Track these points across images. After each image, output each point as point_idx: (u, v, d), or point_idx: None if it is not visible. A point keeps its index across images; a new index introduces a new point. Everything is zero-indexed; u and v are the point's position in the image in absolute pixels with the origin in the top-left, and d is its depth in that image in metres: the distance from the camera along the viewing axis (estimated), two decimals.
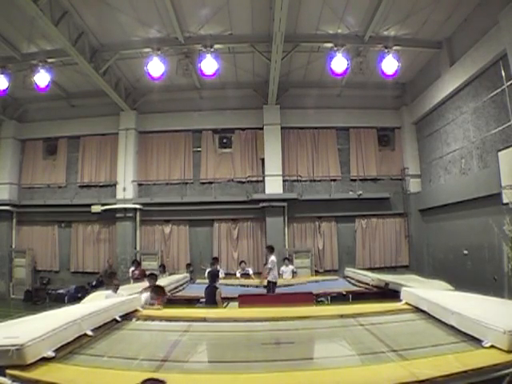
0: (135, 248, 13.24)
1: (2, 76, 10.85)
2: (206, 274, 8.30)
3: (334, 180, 13.64)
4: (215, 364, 3.16)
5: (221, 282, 7.70)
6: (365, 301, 5.76)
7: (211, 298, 6.40)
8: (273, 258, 8.81)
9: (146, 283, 6.75)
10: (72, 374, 2.48)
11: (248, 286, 9.29)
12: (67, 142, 14.48)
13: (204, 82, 12.84)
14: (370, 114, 13.70)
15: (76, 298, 11.16)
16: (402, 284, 5.93)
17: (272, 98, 12.83)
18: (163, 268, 12.14)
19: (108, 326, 3.74)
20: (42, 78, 10.71)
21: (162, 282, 7.42)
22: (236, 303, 6.70)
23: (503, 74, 8.70)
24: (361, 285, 8.21)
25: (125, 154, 13.49)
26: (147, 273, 11.11)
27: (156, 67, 10.41)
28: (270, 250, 9.05)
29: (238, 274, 11.22)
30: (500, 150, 8.54)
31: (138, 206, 13.21)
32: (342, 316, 4.25)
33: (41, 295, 12.92)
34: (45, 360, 2.59)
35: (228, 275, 11.91)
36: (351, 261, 12.84)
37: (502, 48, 8.38)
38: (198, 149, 13.95)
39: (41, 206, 13.70)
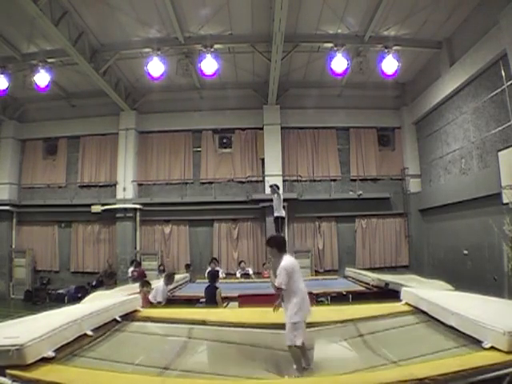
0: (135, 248, 13.23)
1: (2, 76, 10.84)
2: (206, 274, 8.29)
3: (334, 180, 13.63)
4: (216, 368, 3.16)
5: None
6: (365, 301, 5.75)
7: (211, 298, 6.40)
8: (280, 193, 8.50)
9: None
10: (72, 375, 2.48)
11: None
12: (67, 141, 14.48)
13: (204, 82, 12.83)
14: (369, 113, 13.69)
15: (76, 298, 11.16)
16: (402, 284, 5.93)
17: (272, 98, 12.82)
18: (163, 268, 12.15)
19: (108, 327, 3.74)
20: (42, 78, 10.71)
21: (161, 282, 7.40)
22: (236, 303, 6.70)
23: (503, 73, 8.70)
24: (361, 285, 8.20)
25: (125, 154, 13.49)
26: (146, 273, 11.20)
27: (156, 67, 10.40)
28: (276, 187, 8.51)
29: (238, 274, 11.22)
30: (500, 150, 8.53)
31: (137, 206, 13.21)
32: (342, 322, 4.23)
33: (41, 295, 12.91)
34: (45, 360, 2.59)
35: (228, 275, 11.91)
36: (351, 261, 12.83)
37: (502, 48, 8.38)
38: (198, 149, 13.95)
39: (41, 206, 13.69)
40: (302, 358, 3.44)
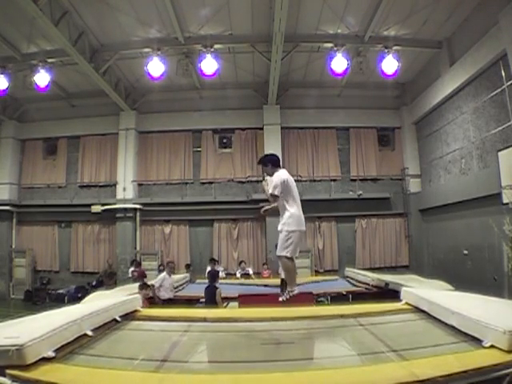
0: (135, 248, 13.24)
1: (2, 76, 10.85)
2: (206, 274, 8.30)
3: (334, 180, 13.64)
4: (215, 364, 3.16)
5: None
6: (365, 301, 5.74)
7: (211, 298, 6.40)
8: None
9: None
10: (72, 374, 2.47)
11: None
12: (67, 141, 14.50)
13: (204, 82, 12.83)
14: (369, 113, 13.70)
15: (76, 298, 11.16)
16: (402, 284, 5.92)
17: (272, 98, 12.83)
18: (163, 268, 12.14)
19: (108, 326, 3.74)
20: (42, 78, 10.72)
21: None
22: (236, 303, 6.70)
23: (503, 73, 8.70)
24: (361, 285, 8.19)
25: (125, 154, 13.50)
26: (146, 273, 11.21)
27: (156, 67, 10.42)
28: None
29: (238, 274, 11.22)
30: (500, 150, 8.54)
31: (137, 206, 13.21)
32: (342, 316, 4.24)
33: (41, 295, 12.92)
34: (45, 360, 2.58)
35: (228, 275, 11.91)
36: (351, 261, 12.83)
37: (502, 48, 8.38)
38: (198, 149, 13.96)
39: (41, 206, 13.70)
40: (293, 274, 3.61)
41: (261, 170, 13.46)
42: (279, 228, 3.69)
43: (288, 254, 3.51)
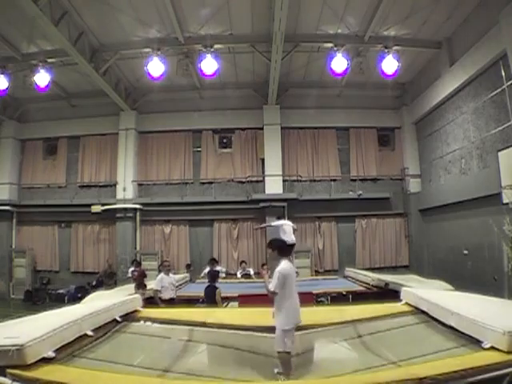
0: (135, 248, 13.23)
1: (2, 76, 10.84)
2: (206, 275, 8.30)
3: (334, 180, 13.63)
4: (215, 369, 3.16)
5: None
6: (365, 301, 5.75)
7: (211, 298, 6.40)
8: None
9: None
10: (72, 375, 2.48)
11: None
12: (67, 141, 14.48)
13: (204, 82, 12.83)
14: (369, 114, 13.69)
15: (76, 297, 11.17)
16: (402, 284, 5.93)
17: (272, 98, 12.82)
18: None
19: (108, 327, 3.74)
20: (42, 78, 10.70)
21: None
22: (236, 303, 6.70)
23: (503, 73, 8.70)
24: (361, 285, 8.20)
25: (125, 154, 13.48)
26: (146, 273, 11.21)
27: (156, 67, 10.40)
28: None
29: (239, 275, 11.21)
30: (500, 150, 8.53)
31: (138, 206, 13.20)
32: (341, 323, 4.23)
33: (41, 295, 12.91)
34: (45, 360, 2.59)
35: (228, 275, 11.91)
36: (351, 261, 12.82)
37: (502, 48, 8.38)
38: (198, 149, 13.95)
39: (41, 206, 13.68)
40: (290, 363, 3.49)
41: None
42: (277, 326, 3.61)
43: (286, 350, 3.47)
